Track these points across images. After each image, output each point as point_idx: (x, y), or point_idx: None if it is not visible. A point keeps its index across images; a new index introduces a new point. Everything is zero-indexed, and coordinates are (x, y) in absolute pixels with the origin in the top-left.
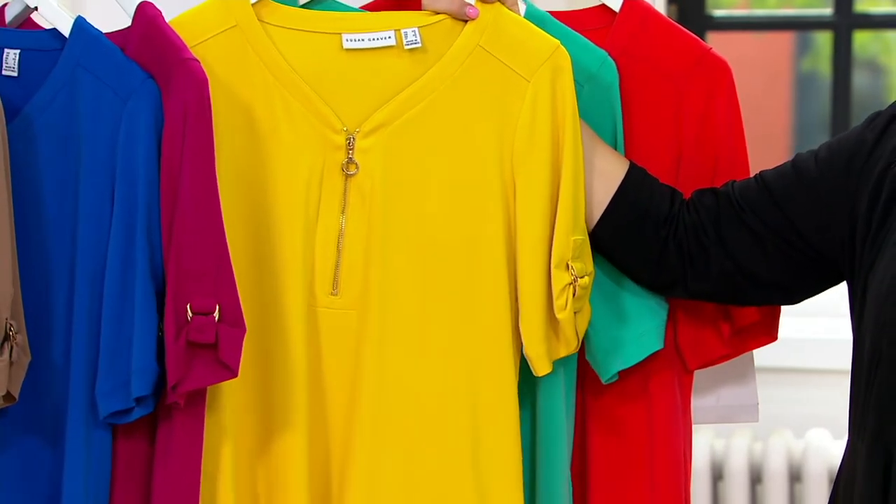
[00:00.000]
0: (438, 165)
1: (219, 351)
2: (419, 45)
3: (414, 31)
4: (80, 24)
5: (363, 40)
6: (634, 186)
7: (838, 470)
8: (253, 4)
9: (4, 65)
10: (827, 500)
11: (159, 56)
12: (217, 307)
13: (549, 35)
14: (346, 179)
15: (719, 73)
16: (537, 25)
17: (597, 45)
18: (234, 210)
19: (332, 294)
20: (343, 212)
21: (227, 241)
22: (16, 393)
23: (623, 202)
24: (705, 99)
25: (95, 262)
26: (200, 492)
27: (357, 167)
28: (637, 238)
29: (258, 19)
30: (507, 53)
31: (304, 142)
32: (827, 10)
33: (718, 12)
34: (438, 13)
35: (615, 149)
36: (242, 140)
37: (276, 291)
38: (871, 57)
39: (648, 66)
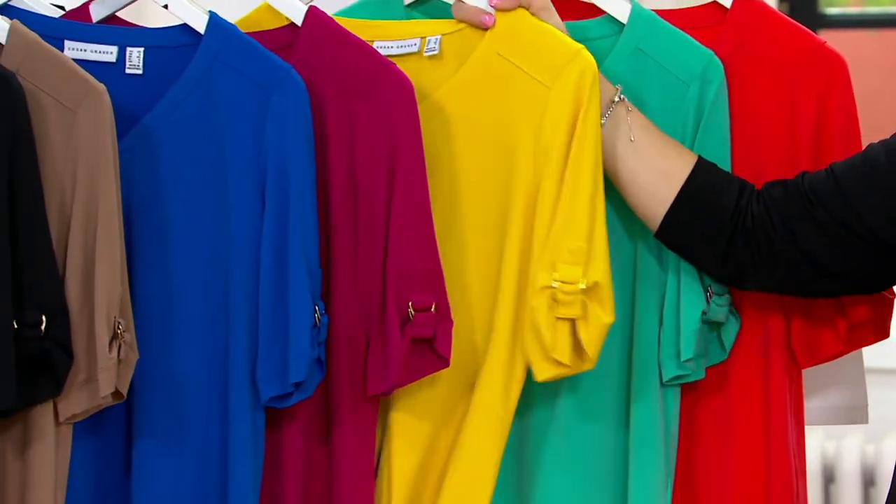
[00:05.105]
0: (462, 174)
1: (436, 343)
2: (436, 52)
3: (436, 38)
4: (216, 20)
5: (392, 47)
6: (699, 185)
7: None
8: None
9: (128, 63)
10: None
11: (353, 58)
12: (434, 304)
13: (571, 41)
14: None
15: (834, 67)
16: (644, 25)
17: (708, 42)
18: None
19: None
20: None
21: None
22: (124, 390)
23: (686, 201)
24: (820, 94)
25: (250, 252)
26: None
27: None
28: (701, 234)
29: None
30: (527, 61)
31: None
32: None
33: (831, 10)
34: (461, 22)
35: (723, 148)
36: None
37: None
38: None
39: (761, 63)
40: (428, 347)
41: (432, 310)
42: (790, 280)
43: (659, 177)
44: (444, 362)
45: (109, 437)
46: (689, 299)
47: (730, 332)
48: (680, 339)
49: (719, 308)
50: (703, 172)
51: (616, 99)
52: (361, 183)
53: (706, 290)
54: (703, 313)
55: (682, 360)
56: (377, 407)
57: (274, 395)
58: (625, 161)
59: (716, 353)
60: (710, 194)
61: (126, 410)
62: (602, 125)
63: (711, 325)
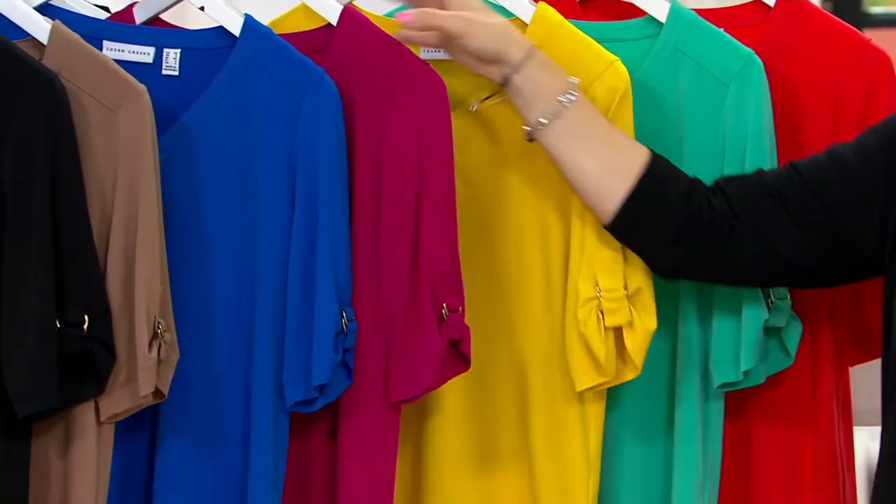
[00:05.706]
0: (496, 179)
1: (461, 345)
2: None
3: None
4: (251, 22)
5: (440, 51)
6: (652, 180)
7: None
8: None
9: (164, 64)
10: None
11: (386, 58)
12: (460, 306)
13: (607, 52)
14: None
15: (879, 65)
16: (683, 25)
17: (751, 41)
18: None
19: None
20: None
21: None
22: (165, 390)
23: (639, 194)
24: (865, 92)
25: (279, 255)
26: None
27: None
28: (653, 228)
29: None
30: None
31: None
32: None
33: (875, 9)
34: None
35: (765, 146)
36: None
37: None
38: None
39: (805, 61)
40: (453, 350)
41: (460, 311)
42: (748, 273)
43: (608, 170)
44: (466, 364)
45: (136, 434)
46: (750, 309)
47: (793, 337)
48: (741, 349)
49: (781, 314)
50: (656, 167)
51: (568, 97)
52: (387, 185)
53: (767, 298)
54: (765, 321)
55: (743, 369)
56: (398, 415)
57: (299, 398)
58: (573, 154)
59: (779, 359)
60: (664, 189)
61: (153, 408)
62: (548, 121)
63: (770, 331)
